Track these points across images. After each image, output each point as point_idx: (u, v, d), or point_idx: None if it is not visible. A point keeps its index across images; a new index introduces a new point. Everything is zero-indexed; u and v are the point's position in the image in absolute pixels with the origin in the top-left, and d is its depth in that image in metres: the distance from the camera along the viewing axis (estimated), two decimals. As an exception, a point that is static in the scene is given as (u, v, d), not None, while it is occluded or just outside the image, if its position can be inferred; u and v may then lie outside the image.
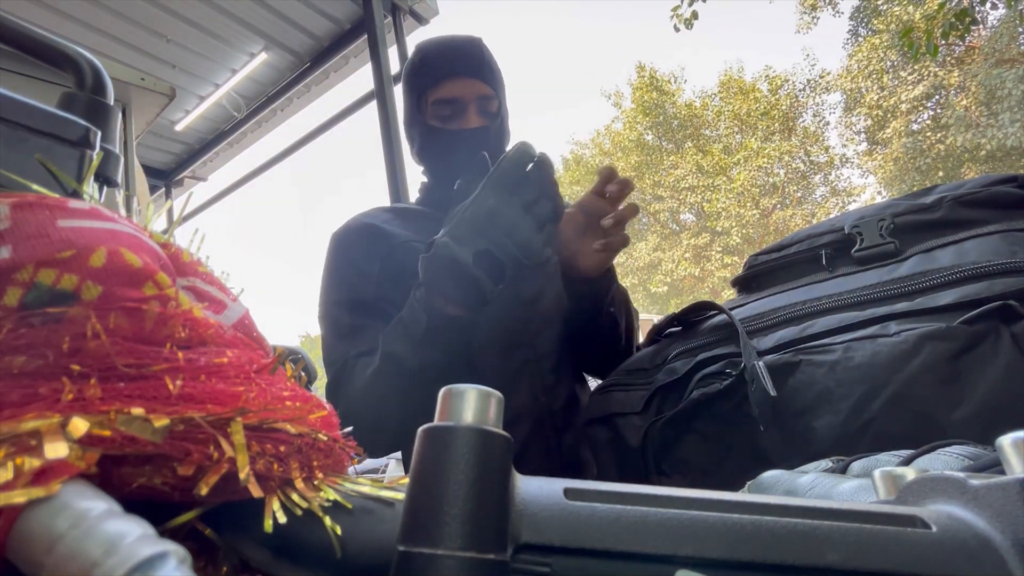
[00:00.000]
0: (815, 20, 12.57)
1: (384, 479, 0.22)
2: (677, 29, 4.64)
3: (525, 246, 0.60)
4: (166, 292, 0.19)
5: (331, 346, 0.76)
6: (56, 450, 0.14)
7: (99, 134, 0.31)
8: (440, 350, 0.65)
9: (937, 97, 11.19)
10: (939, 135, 10.84)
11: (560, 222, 0.64)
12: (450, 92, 0.81)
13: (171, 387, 0.17)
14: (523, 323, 0.79)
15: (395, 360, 0.66)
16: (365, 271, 0.78)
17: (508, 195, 0.60)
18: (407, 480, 0.18)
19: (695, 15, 4.54)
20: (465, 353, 0.71)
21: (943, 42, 3.90)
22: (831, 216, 1.20)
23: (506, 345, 0.78)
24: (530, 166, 0.61)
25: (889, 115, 11.71)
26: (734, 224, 13.07)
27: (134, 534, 0.14)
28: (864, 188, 13.91)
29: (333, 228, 0.84)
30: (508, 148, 0.90)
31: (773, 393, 0.49)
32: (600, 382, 0.74)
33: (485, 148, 0.81)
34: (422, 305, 0.64)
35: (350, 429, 0.24)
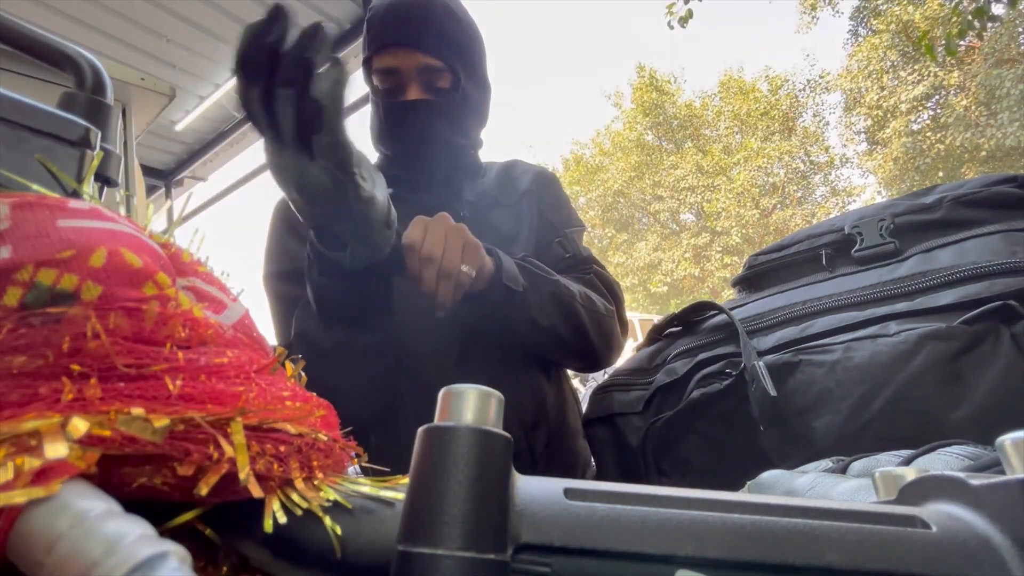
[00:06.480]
0: (815, 20, 12.56)
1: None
2: (671, 27, 4.61)
3: (318, 212, 0.49)
4: (166, 292, 0.19)
5: (277, 322, 0.72)
6: (56, 450, 0.14)
7: (99, 134, 0.31)
8: (342, 329, 0.61)
9: (937, 97, 11.19)
10: (939, 135, 10.83)
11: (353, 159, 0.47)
12: (387, 62, 0.72)
13: (171, 387, 0.17)
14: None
15: (306, 340, 0.62)
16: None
17: (281, 150, 0.45)
18: (407, 480, 0.18)
19: (690, 13, 4.51)
20: (384, 341, 0.64)
21: (959, 41, 3.87)
22: (831, 216, 1.20)
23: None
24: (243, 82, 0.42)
25: (889, 115, 11.70)
26: (734, 224, 13.06)
27: (134, 534, 0.14)
28: (864, 188, 13.91)
29: None
30: (475, 133, 0.78)
31: (773, 393, 0.49)
32: (601, 382, 0.74)
33: (428, 123, 0.72)
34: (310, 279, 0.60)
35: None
